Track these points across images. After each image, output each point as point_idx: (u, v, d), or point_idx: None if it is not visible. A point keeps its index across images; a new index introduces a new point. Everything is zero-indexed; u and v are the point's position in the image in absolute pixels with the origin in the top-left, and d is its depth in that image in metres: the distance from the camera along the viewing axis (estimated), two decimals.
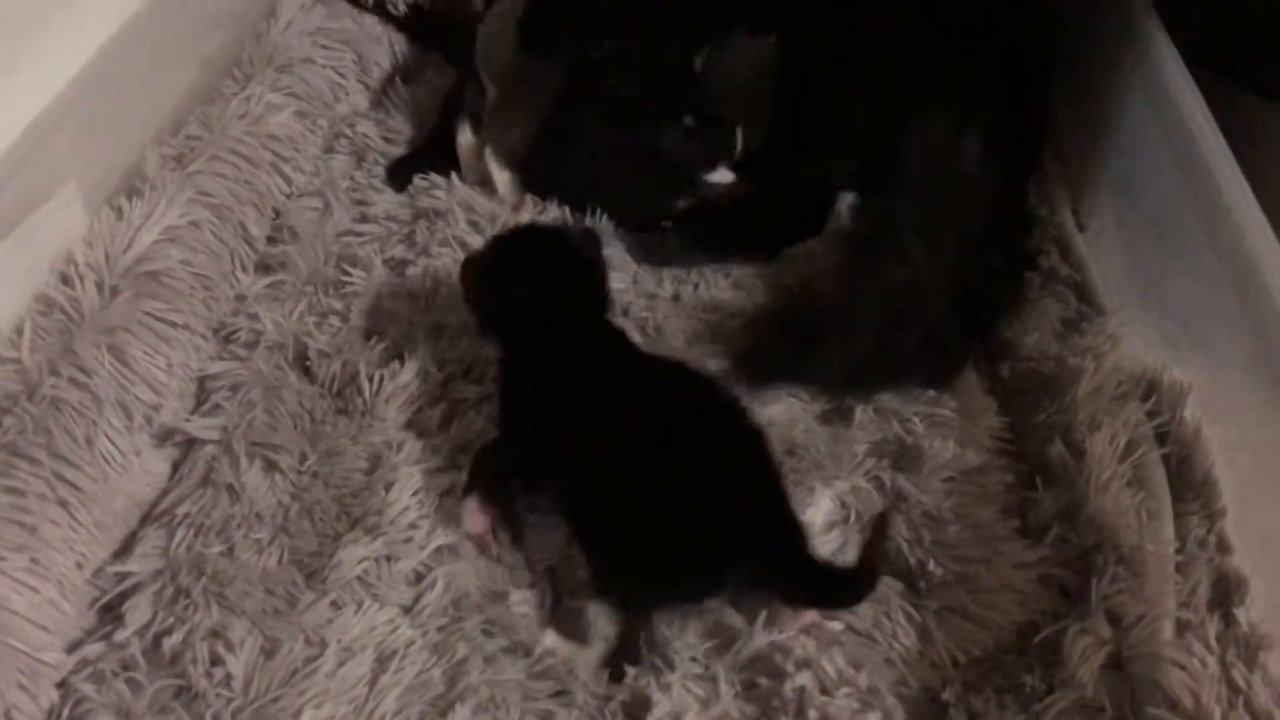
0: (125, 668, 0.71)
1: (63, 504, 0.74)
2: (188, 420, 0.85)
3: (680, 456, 0.72)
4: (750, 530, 0.70)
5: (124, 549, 0.78)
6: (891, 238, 0.88)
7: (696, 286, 0.98)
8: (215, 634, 0.72)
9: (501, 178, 1.03)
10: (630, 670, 0.71)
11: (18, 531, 0.72)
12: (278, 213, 1.02)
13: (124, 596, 0.74)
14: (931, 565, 0.77)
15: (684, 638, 0.73)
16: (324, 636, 0.73)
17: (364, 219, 1.03)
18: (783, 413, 0.87)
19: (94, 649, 0.72)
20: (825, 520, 0.80)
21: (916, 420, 0.86)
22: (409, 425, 0.84)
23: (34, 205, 0.84)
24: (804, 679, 0.70)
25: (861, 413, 0.87)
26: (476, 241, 0.97)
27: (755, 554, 0.70)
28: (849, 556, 0.78)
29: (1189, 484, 0.78)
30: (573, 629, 0.73)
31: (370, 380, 0.86)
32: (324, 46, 1.13)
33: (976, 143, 0.90)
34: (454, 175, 1.04)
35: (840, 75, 0.97)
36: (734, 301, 0.97)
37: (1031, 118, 0.99)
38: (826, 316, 0.88)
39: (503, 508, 0.78)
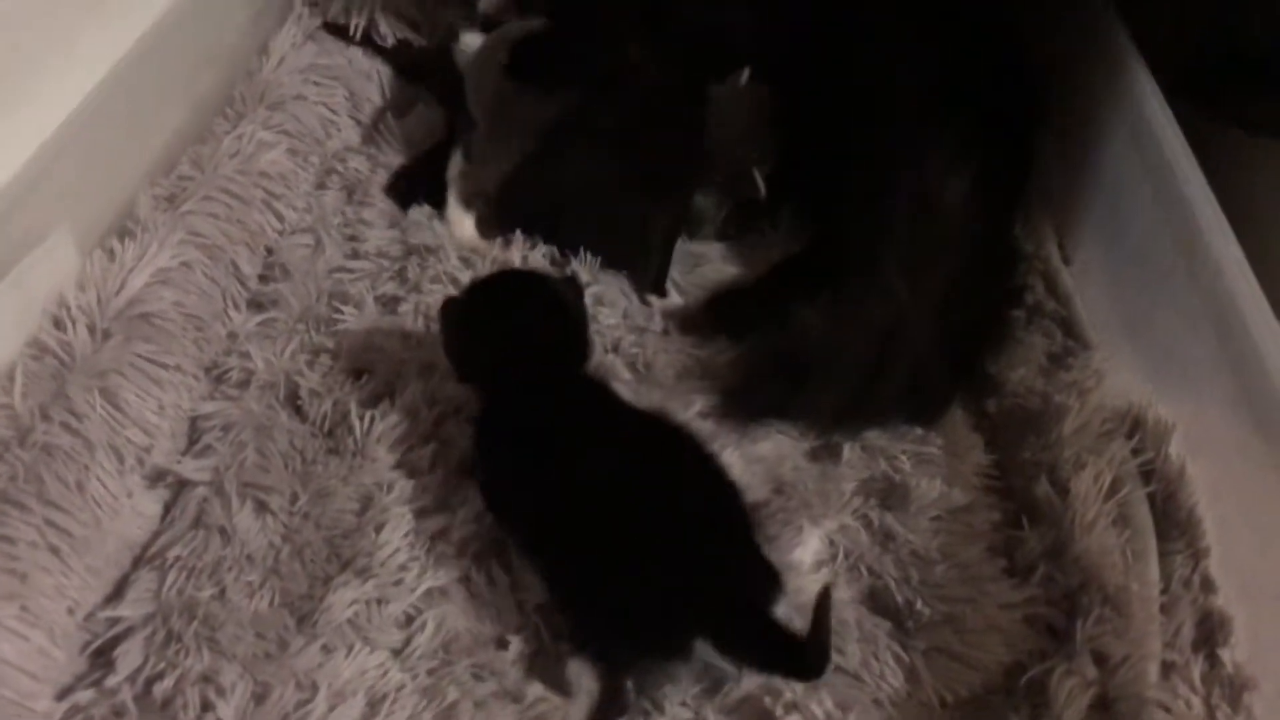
0: (116, 714, 0.71)
1: (54, 550, 0.74)
2: (179, 462, 0.85)
3: (648, 517, 0.72)
4: (713, 596, 0.70)
5: (116, 592, 0.78)
6: (878, 275, 0.89)
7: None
8: (206, 679, 0.72)
9: (463, 223, 1.03)
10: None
11: (8, 580, 0.72)
12: (270, 250, 1.02)
13: (115, 641, 0.74)
14: (919, 605, 0.78)
15: (673, 681, 0.74)
16: (315, 681, 0.73)
17: (356, 255, 1.03)
18: (771, 450, 0.88)
19: (85, 695, 0.72)
20: (814, 559, 0.81)
21: (904, 458, 0.86)
22: (400, 465, 0.85)
23: (26, 249, 0.84)
24: None
25: (849, 450, 0.87)
26: (468, 278, 0.97)
27: (716, 621, 0.69)
28: (840, 596, 0.79)
29: (1173, 522, 0.78)
30: (558, 680, 0.73)
31: (361, 420, 0.87)
32: (315, 83, 1.14)
33: (963, 181, 0.91)
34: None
35: (828, 118, 0.98)
36: (723, 337, 0.97)
37: (1017, 155, 1.00)
38: (814, 353, 0.88)
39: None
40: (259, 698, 0.72)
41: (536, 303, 0.83)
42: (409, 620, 0.77)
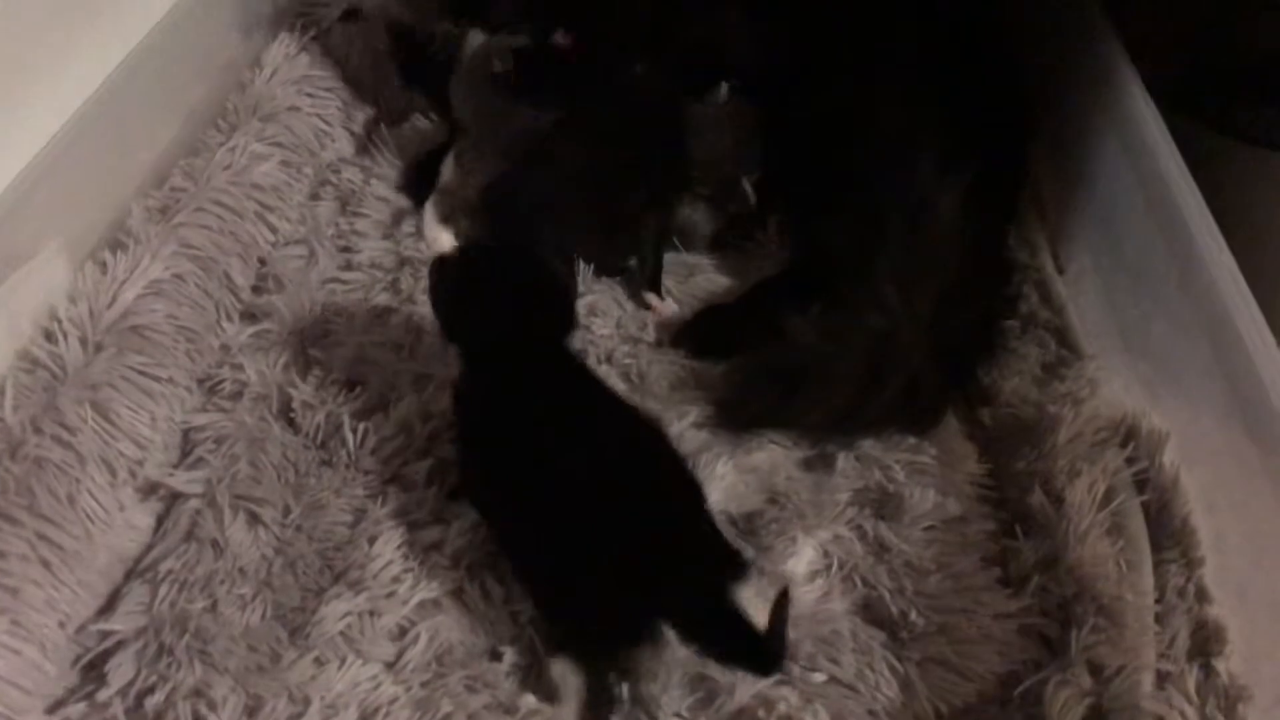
0: None
1: (45, 564, 0.74)
2: (171, 474, 0.85)
3: (612, 505, 0.72)
4: (671, 577, 0.70)
5: (107, 606, 0.78)
6: (871, 285, 0.89)
7: None
8: (198, 693, 0.72)
9: (439, 239, 1.03)
10: None
11: None
12: (263, 262, 1.02)
13: (107, 655, 0.74)
14: (913, 615, 0.78)
15: (668, 692, 0.73)
16: (307, 694, 0.73)
17: (349, 266, 1.04)
18: (765, 460, 0.87)
19: (76, 709, 0.72)
20: (808, 569, 0.81)
21: (898, 468, 0.86)
22: (393, 478, 0.85)
23: (18, 262, 0.84)
24: None
25: (843, 460, 0.87)
26: None
27: (675, 604, 0.70)
28: (834, 606, 0.79)
29: (1168, 532, 0.78)
30: (548, 689, 0.73)
31: (354, 432, 0.87)
32: (309, 94, 1.14)
33: (956, 191, 0.91)
34: None
35: (821, 128, 0.98)
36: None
37: (1010, 165, 1.00)
38: (808, 363, 0.88)
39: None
40: (251, 711, 0.72)
41: (528, 269, 0.83)
42: (402, 632, 0.77)
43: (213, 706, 0.71)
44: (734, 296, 1.01)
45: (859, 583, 0.80)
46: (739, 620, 0.69)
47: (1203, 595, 0.74)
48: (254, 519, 0.82)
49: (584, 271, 1.01)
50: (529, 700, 0.73)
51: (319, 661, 0.74)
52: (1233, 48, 1.02)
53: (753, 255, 1.05)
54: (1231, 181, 0.90)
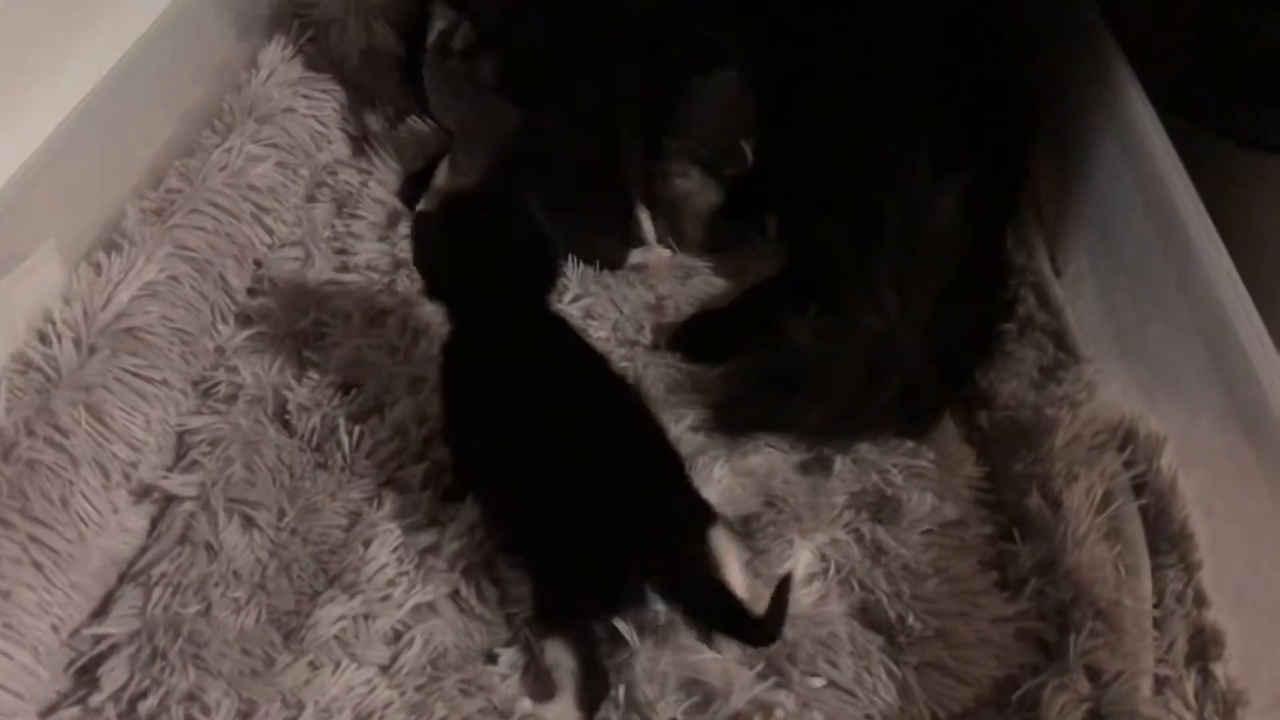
0: None
1: (38, 567, 0.74)
2: (165, 477, 0.84)
3: (587, 456, 0.73)
4: (650, 534, 0.71)
5: (101, 609, 0.77)
6: (868, 288, 0.89)
7: None
8: (191, 697, 0.72)
9: None
10: None
11: None
12: (259, 263, 1.02)
13: (100, 659, 0.74)
14: (911, 619, 0.77)
15: (664, 697, 0.73)
16: (301, 698, 0.72)
17: (345, 268, 1.03)
18: (762, 463, 0.87)
19: (69, 713, 0.72)
20: (805, 573, 0.80)
21: (895, 471, 0.86)
22: (388, 481, 0.84)
23: (12, 263, 0.84)
24: None
25: (840, 463, 0.87)
26: None
27: (664, 572, 0.71)
28: (831, 610, 0.79)
29: (1165, 536, 0.78)
30: (544, 689, 0.72)
31: (350, 434, 0.86)
32: (305, 96, 1.13)
33: (953, 194, 0.90)
34: None
35: (820, 129, 0.98)
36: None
37: (1007, 167, 1.00)
38: (805, 366, 0.88)
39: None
40: (245, 715, 0.71)
41: (509, 222, 0.82)
42: (397, 636, 0.76)
43: (206, 711, 0.71)
44: (731, 299, 1.01)
45: (856, 586, 0.80)
46: (723, 588, 0.70)
47: (1201, 600, 0.74)
48: (248, 522, 0.81)
49: (581, 273, 1.01)
50: (524, 704, 0.72)
51: (313, 665, 0.74)
52: (1232, 49, 1.02)
53: (750, 257, 1.05)
54: (1230, 183, 0.89)
